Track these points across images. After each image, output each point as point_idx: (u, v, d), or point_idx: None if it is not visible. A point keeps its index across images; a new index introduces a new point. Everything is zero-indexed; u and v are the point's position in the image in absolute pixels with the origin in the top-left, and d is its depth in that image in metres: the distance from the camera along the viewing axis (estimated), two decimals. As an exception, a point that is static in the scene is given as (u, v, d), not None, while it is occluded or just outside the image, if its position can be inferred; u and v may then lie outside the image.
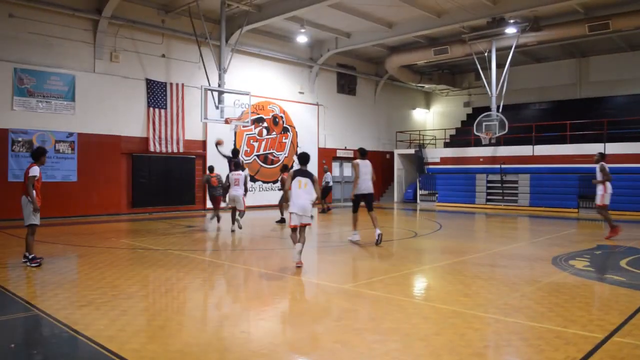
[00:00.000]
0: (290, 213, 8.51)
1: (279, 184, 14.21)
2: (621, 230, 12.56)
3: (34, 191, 8.36)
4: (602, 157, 12.73)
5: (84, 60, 17.62)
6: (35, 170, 8.36)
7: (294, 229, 8.59)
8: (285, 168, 17.20)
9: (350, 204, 12.46)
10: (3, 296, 6.58)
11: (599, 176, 12.53)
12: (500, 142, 23.57)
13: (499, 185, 23.69)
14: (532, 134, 23.40)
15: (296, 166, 11.51)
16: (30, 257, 8.43)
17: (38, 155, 8.65)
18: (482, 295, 6.65)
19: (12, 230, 13.70)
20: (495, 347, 4.82)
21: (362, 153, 11.93)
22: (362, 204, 11.56)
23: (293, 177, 8.69)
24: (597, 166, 12.65)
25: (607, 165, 12.64)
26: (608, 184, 12.45)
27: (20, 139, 16.23)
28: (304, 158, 9.16)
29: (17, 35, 16.19)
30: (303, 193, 8.55)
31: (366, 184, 11.46)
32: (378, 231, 11.08)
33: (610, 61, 26.15)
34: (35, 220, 8.45)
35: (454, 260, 9.30)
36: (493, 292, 6.79)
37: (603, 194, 12.44)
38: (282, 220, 15.91)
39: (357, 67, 27.56)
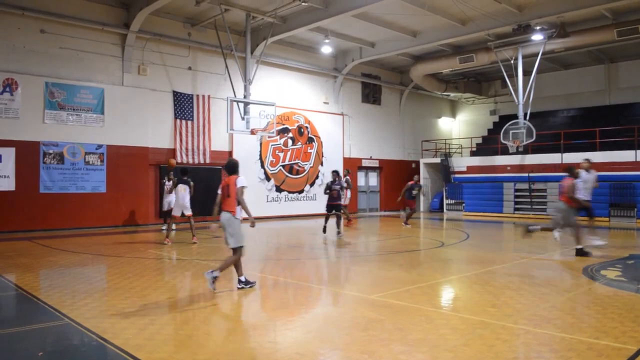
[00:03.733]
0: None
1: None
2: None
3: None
4: (348, 172, 19.28)
5: (112, 74, 17.98)
6: (243, 181, 7.72)
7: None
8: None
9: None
10: (34, 305, 6.71)
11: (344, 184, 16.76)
12: (528, 150, 23.24)
13: (527, 194, 23.35)
14: (560, 141, 23.04)
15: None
16: (244, 279, 7.77)
17: (236, 168, 7.95)
18: (511, 305, 6.54)
19: (44, 240, 13.97)
20: (524, 359, 4.74)
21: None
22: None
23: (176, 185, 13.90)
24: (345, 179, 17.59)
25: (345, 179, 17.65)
26: (348, 191, 17.88)
27: (51, 151, 16.59)
28: (183, 170, 13.94)
29: (48, 50, 16.62)
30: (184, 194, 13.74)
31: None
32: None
33: (640, 67, 25.66)
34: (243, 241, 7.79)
35: (481, 270, 9.18)
36: (522, 303, 6.68)
37: (345, 197, 17.34)
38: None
39: (382, 76, 27.55)
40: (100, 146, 17.58)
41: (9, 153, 15.78)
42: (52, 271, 9.33)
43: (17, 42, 16.03)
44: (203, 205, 19.87)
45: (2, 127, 15.66)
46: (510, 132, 22.64)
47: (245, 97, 19.14)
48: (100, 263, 10.47)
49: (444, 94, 29.97)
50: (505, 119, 26.58)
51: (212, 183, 20.32)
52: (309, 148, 24.15)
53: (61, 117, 16.83)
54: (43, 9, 16.24)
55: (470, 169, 26.12)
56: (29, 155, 16.13)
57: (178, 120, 19.42)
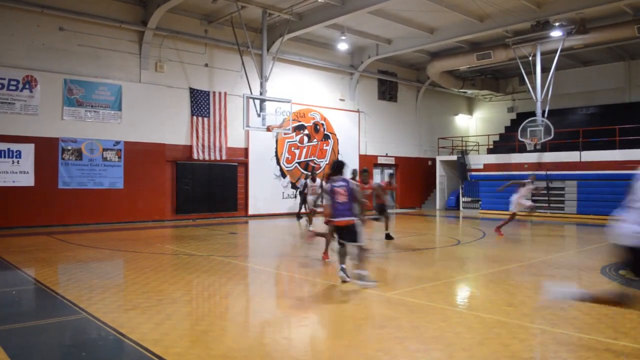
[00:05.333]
0: None
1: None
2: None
3: None
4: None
5: (130, 71, 18.12)
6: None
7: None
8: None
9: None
10: (53, 299, 6.80)
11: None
12: (545, 148, 22.99)
13: (545, 192, 23.12)
14: (579, 139, 22.76)
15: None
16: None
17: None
18: (528, 304, 6.49)
19: (62, 235, 14.14)
20: (541, 359, 4.70)
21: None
22: None
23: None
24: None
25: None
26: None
27: (69, 147, 16.77)
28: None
29: (67, 47, 16.79)
30: None
31: None
32: None
33: (661, 64, 25.24)
34: None
35: (498, 269, 9.11)
36: (539, 302, 6.62)
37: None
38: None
39: (398, 73, 27.43)
40: (117, 142, 17.74)
41: (29, 149, 15.99)
42: (70, 266, 9.44)
43: (37, 40, 16.23)
44: (209, 201, 20.09)
45: (21, 124, 15.88)
46: (528, 129, 22.41)
47: (261, 94, 19.19)
48: (118, 258, 10.58)
49: (461, 91, 29.78)
50: (523, 116, 26.31)
51: (227, 179, 20.50)
52: (324, 145, 24.14)
53: (79, 113, 17.01)
54: (62, 7, 16.41)
55: (487, 167, 25.92)
56: (47, 152, 16.33)
57: (194, 117, 19.52)
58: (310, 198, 15.08)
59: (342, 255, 7.74)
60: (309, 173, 15.62)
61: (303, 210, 19.47)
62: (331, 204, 7.66)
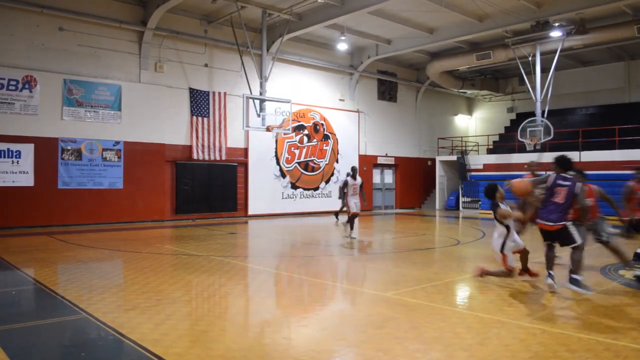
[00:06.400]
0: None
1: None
2: None
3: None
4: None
5: (129, 71, 18.12)
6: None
7: None
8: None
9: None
10: (52, 299, 6.80)
11: None
12: (545, 148, 23.00)
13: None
14: (578, 139, 22.77)
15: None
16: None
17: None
18: (528, 304, 6.48)
19: (61, 235, 14.13)
20: (541, 359, 4.69)
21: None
22: None
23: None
24: None
25: None
26: None
27: (69, 147, 16.77)
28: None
29: (66, 47, 16.79)
30: None
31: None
32: None
33: (661, 64, 25.24)
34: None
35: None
36: (539, 302, 6.62)
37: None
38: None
39: (398, 73, 27.43)
40: (117, 142, 17.73)
41: (28, 149, 15.98)
42: (69, 266, 9.44)
43: (36, 40, 16.22)
44: (209, 201, 20.08)
45: (21, 124, 15.87)
46: (528, 129, 22.41)
47: (261, 94, 19.19)
48: (117, 258, 10.58)
49: (461, 91, 29.78)
50: (522, 116, 26.33)
51: (227, 179, 20.50)
52: (324, 145, 24.14)
53: (79, 113, 17.01)
54: (61, 7, 16.42)
55: (487, 167, 25.92)
56: (47, 152, 16.33)
57: (194, 117, 19.51)
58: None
59: (550, 259, 7.12)
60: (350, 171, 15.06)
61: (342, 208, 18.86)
62: (545, 202, 6.94)
